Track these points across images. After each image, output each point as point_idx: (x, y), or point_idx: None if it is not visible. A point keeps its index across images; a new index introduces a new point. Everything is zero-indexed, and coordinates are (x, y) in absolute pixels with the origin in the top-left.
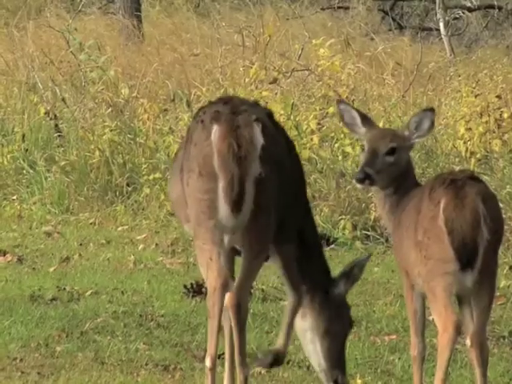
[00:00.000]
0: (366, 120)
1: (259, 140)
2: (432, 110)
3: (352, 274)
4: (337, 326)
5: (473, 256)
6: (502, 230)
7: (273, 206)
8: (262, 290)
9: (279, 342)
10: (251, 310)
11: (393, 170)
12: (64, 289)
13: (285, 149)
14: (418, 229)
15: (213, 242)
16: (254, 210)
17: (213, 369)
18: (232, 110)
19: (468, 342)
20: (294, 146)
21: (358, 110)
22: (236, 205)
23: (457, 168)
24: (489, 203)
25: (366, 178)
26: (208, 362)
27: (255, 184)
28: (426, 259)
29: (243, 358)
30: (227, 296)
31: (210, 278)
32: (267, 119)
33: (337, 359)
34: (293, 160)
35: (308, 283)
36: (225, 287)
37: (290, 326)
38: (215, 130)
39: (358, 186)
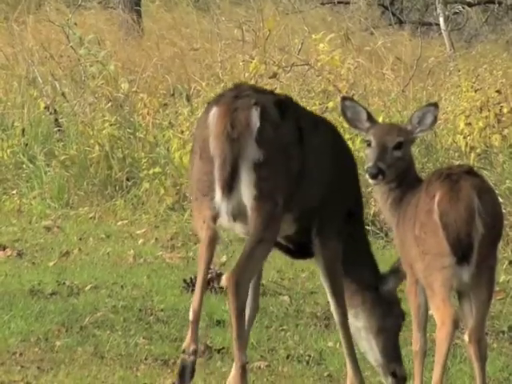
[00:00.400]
0: (370, 116)
1: (255, 123)
2: (435, 105)
3: (400, 269)
4: (389, 321)
5: (468, 250)
6: (501, 225)
7: (281, 195)
8: (262, 285)
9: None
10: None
11: (400, 164)
12: (64, 283)
13: (294, 137)
14: (415, 223)
15: (207, 208)
16: (256, 195)
17: (194, 322)
18: (235, 94)
19: (466, 337)
20: (323, 139)
21: (363, 107)
22: (227, 187)
23: (456, 163)
24: (485, 197)
25: (379, 173)
26: (190, 315)
27: (253, 169)
28: (424, 254)
29: (240, 344)
30: (224, 276)
31: (201, 233)
32: (272, 105)
33: (392, 353)
34: (315, 151)
35: (358, 282)
36: (212, 241)
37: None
38: (213, 112)
39: (372, 181)
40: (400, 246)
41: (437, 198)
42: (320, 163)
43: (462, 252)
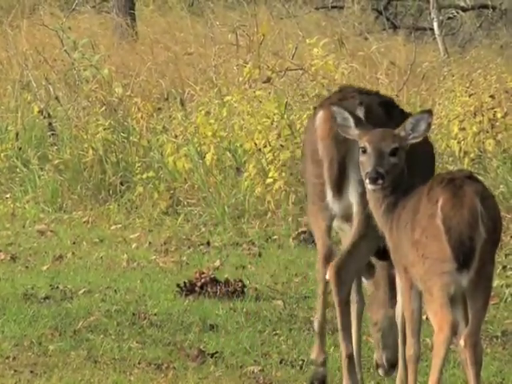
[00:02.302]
0: (359, 122)
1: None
2: (429, 112)
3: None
4: None
5: (470, 256)
6: (500, 231)
7: None
8: (256, 289)
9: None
10: (244, 309)
11: (396, 170)
12: (57, 287)
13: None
14: (415, 228)
15: (323, 218)
16: (361, 192)
17: (320, 333)
18: (340, 97)
19: (462, 342)
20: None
21: (350, 112)
22: (337, 189)
23: (450, 168)
24: (487, 203)
25: (378, 178)
26: (316, 327)
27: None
28: (424, 258)
29: (345, 334)
30: (328, 268)
31: (317, 245)
32: (377, 106)
33: None
34: (413, 151)
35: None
36: (327, 258)
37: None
38: (320, 115)
39: (371, 186)
40: (393, 251)
41: (440, 203)
42: (415, 162)
43: (463, 257)
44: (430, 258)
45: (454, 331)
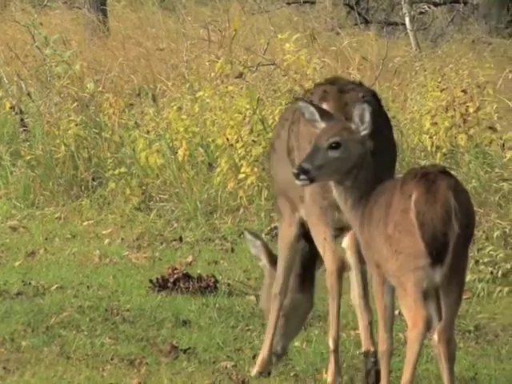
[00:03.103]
0: (325, 115)
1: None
2: (367, 102)
3: None
4: None
5: (443, 251)
6: (474, 226)
7: None
8: (228, 285)
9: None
10: (216, 305)
11: (340, 164)
12: (29, 283)
13: (388, 128)
14: (388, 223)
15: (326, 223)
16: None
17: (335, 351)
18: (339, 89)
19: (435, 337)
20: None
21: (316, 106)
22: None
23: (422, 163)
24: (460, 197)
25: (301, 173)
26: (331, 344)
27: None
28: (397, 253)
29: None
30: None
31: (327, 259)
32: (372, 98)
33: None
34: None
35: None
36: (341, 270)
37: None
38: (324, 107)
39: (297, 182)
40: (365, 246)
41: (413, 198)
42: (384, 150)
43: (436, 252)
44: (403, 253)
45: (428, 326)
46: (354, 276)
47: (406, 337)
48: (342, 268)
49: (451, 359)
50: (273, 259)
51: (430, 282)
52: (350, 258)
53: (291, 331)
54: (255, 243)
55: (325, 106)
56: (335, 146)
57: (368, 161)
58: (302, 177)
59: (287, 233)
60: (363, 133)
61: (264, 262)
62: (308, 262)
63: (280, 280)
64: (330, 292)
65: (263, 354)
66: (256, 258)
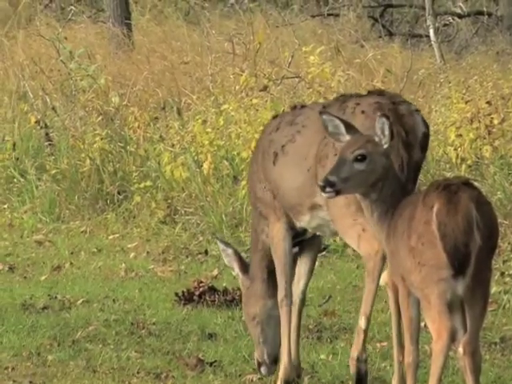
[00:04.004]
0: (350, 128)
1: (421, 128)
2: (386, 116)
3: None
4: None
5: (465, 262)
6: (497, 238)
7: None
8: None
9: None
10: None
11: (365, 176)
12: (55, 297)
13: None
14: (411, 235)
15: (361, 217)
16: None
17: (366, 330)
18: (391, 101)
19: (461, 349)
20: None
21: (341, 119)
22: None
23: (447, 174)
24: (482, 209)
25: (327, 186)
26: (363, 323)
27: (416, 170)
28: (421, 265)
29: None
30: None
31: (370, 244)
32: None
33: None
34: None
35: None
36: (384, 254)
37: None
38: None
39: (323, 194)
40: (391, 258)
41: (435, 209)
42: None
43: (458, 264)
44: (426, 265)
45: (453, 338)
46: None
47: (432, 349)
48: (384, 251)
49: (476, 371)
50: (245, 268)
51: (453, 293)
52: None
53: (271, 338)
54: (227, 252)
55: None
56: (361, 158)
57: (393, 173)
58: (328, 189)
59: (276, 229)
60: (385, 146)
61: (237, 270)
62: (273, 266)
63: (283, 282)
64: (371, 273)
65: (284, 363)
66: (229, 267)
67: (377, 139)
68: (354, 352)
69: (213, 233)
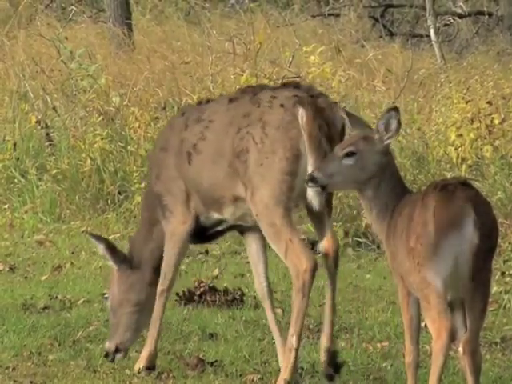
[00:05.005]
0: (356, 122)
1: (340, 120)
2: (396, 109)
3: None
4: None
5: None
6: (497, 237)
7: None
8: (255, 298)
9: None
10: (243, 318)
11: (354, 173)
12: (56, 297)
13: None
14: (410, 235)
15: (290, 223)
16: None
17: (297, 349)
18: (309, 94)
19: (460, 349)
20: None
21: (348, 113)
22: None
23: (448, 174)
24: (480, 209)
25: (309, 181)
26: (294, 342)
27: None
28: (420, 266)
29: None
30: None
31: (298, 259)
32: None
33: None
34: None
35: None
36: (314, 269)
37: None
38: (301, 112)
39: (308, 188)
40: (391, 258)
41: (432, 209)
42: None
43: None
44: (424, 265)
45: (453, 338)
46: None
47: (431, 348)
48: (315, 267)
49: (476, 371)
50: (119, 257)
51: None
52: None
53: (142, 325)
54: (100, 246)
55: (301, 111)
56: (350, 155)
57: (391, 171)
58: (311, 184)
59: (180, 230)
60: (387, 142)
61: (111, 261)
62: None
63: (170, 276)
64: (300, 290)
65: (149, 350)
66: (104, 257)
67: (376, 136)
68: (284, 374)
69: (88, 233)
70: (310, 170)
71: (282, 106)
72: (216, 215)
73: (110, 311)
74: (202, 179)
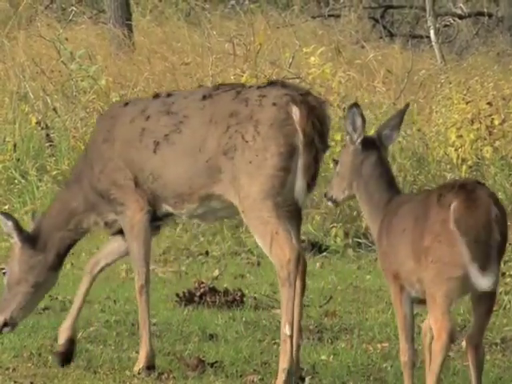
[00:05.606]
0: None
1: (329, 118)
2: (356, 105)
3: None
4: None
5: (488, 257)
6: (506, 237)
7: None
8: (255, 298)
9: None
10: (243, 319)
11: (340, 179)
12: (56, 298)
13: None
14: (424, 235)
15: (278, 216)
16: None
17: (292, 336)
18: (299, 92)
19: (464, 343)
20: None
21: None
22: (314, 180)
23: (448, 175)
24: (499, 207)
25: (329, 200)
26: (288, 330)
27: (321, 159)
28: (433, 263)
29: None
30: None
31: (283, 250)
32: None
33: None
34: None
35: None
36: (297, 259)
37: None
38: (295, 110)
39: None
40: (382, 257)
41: (453, 206)
42: None
43: (482, 259)
44: (439, 262)
45: (452, 339)
46: None
47: (431, 348)
48: (299, 256)
49: (479, 366)
50: (24, 236)
51: (475, 290)
52: None
53: (32, 305)
54: (7, 223)
55: (295, 109)
56: (336, 163)
57: (378, 171)
58: (330, 203)
59: (137, 218)
60: (358, 141)
61: (16, 239)
62: (71, 246)
63: (144, 269)
64: (286, 281)
65: (146, 349)
66: (8, 235)
67: (347, 138)
68: (283, 363)
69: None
70: (300, 166)
71: (274, 104)
72: (169, 209)
73: (5, 285)
74: (168, 171)
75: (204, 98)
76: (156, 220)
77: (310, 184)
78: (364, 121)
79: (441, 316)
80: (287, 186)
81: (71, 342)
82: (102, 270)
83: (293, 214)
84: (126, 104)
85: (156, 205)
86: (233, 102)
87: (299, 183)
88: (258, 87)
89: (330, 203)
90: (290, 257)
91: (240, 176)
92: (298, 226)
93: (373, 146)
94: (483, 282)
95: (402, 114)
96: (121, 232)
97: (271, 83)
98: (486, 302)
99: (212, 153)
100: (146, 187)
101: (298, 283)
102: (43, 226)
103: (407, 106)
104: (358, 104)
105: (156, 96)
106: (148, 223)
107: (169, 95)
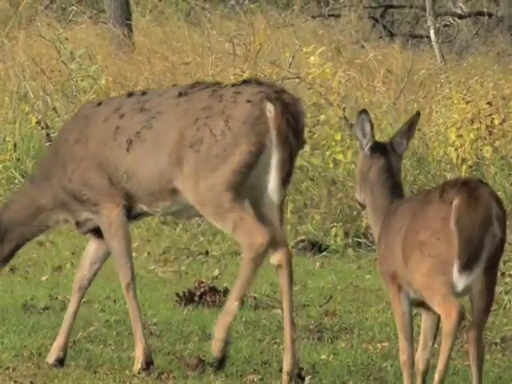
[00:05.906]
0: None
1: (303, 116)
2: (365, 111)
3: None
4: None
5: (473, 260)
6: (505, 235)
7: None
8: (255, 298)
9: None
10: (243, 318)
11: (357, 184)
12: (56, 298)
13: None
14: (419, 230)
15: (241, 206)
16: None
17: (235, 312)
18: (273, 90)
19: (465, 335)
20: None
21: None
22: (288, 176)
23: (448, 175)
24: (499, 206)
25: (359, 205)
26: (236, 306)
27: (296, 156)
28: (430, 258)
29: None
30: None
31: (253, 234)
32: None
33: None
34: None
35: None
36: (268, 244)
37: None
38: (269, 107)
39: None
40: (381, 260)
41: (455, 203)
42: None
43: (467, 258)
44: (435, 258)
45: (463, 317)
46: None
47: (441, 329)
48: (270, 240)
49: (479, 359)
50: None
51: (454, 289)
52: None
53: None
54: None
55: (269, 106)
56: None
57: (385, 176)
58: (360, 207)
59: (114, 215)
60: (367, 147)
61: None
62: (29, 241)
63: (128, 265)
64: (252, 260)
65: (141, 347)
66: None
67: (358, 144)
68: (221, 332)
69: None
70: (274, 163)
71: (248, 101)
72: (144, 208)
73: None
74: (142, 168)
75: (180, 95)
76: (132, 218)
77: (285, 180)
78: (372, 127)
79: (443, 299)
80: (249, 181)
81: (60, 362)
82: (89, 283)
83: (270, 210)
84: (100, 104)
85: (131, 204)
86: (208, 98)
87: (273, 180)
88: (233, 85)
89: (358, 205)
90: (261, 240)
91: (203, 168)
92: (279, 221)
93: (382, 152)
94: (459, 282)
95: (411, 121)
96: (92, 231)
97: (246, 81)
98: (487, 295)
99: (175, 144)
100: (121, 186)
101: (285, 272)
102: (3, 218)
103: (418, 113)
104: (367, 110)
105: (130, 94)
106: (125, 218)
107: (144, 93)
